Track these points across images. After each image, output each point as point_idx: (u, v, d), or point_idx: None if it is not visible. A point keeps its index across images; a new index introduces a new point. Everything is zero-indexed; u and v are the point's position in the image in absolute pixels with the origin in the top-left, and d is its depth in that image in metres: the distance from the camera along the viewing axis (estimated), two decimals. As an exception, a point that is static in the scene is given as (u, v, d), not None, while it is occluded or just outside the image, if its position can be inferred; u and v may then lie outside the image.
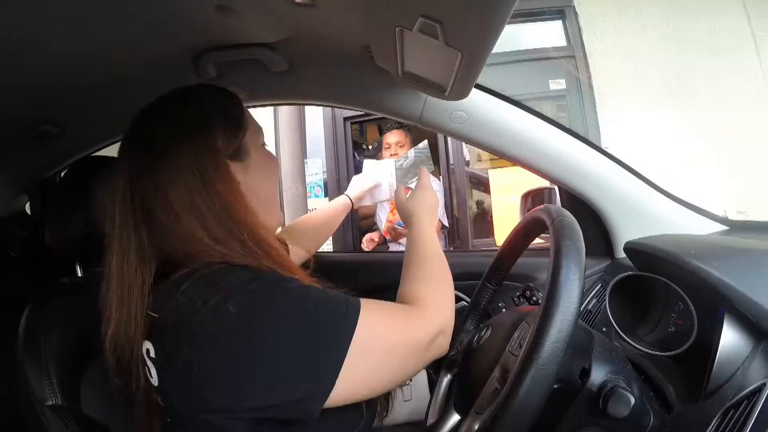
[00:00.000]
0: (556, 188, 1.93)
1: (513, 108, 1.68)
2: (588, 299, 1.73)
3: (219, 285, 0.88)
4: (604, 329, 1.43)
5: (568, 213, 1.02)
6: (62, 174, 1.58)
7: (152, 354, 0.90)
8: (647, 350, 1.17)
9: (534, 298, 1.54)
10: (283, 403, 0.87)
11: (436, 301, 1.12)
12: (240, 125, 1.09)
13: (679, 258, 1.20)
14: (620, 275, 1.27)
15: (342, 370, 0.88)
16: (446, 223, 4.14)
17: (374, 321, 0.95)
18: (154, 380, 0.90)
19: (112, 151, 1.71)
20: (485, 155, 5.10)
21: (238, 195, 1.02)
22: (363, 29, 1.23)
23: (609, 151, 1.73)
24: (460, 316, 1.93)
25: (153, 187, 0.98)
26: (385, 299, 1.06)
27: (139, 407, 0.95)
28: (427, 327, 1.05)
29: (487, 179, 4.43)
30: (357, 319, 0.92)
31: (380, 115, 1.83)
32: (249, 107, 1.63)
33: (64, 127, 1.66)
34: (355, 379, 0.91)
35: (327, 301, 0.94)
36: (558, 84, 5.13)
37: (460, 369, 1.26)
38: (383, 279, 1.70)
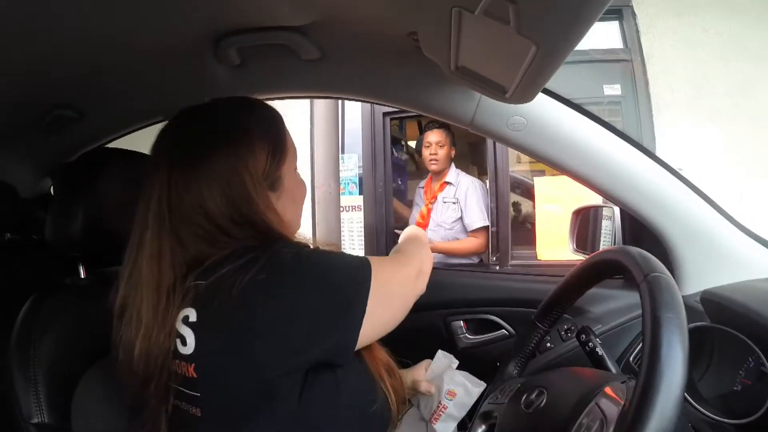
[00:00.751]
0: (616, 209, 1.79)
1: (580, 117, 1.51)
2: (640, 342, 1.58)
3: (257, 260, 0.95)
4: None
5: (662, 267, 0.93)
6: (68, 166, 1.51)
7: (192, 319, 0.95)
8: (715, 417, 1.12)
9: (590, 345, 1.32)
10: (321, 351, 0.97)
11: (413, 249, 1.36)
12: (283, 155, 1.14)
13: (762, 315, 1.15)
14: (691, 325, 1.13)
15: (366, 315, 1.00)
16: (488, 223, 4.02)
17: (382, 271, 1.09)
18: (188, 348, 0.95)
19: (127, 141, 1.78)
20: (526, 157, 4.82)
21: (274, 211, 1.10)
22: (409, 12, 1.09)
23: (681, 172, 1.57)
24: (498, 348, 1.77)
25: (192, 195, 1.02)
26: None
27: (154, 400, 1.01)
28: (412, 263, 1.26)
29: (532, 185, 4.32)
30: (370, 273, 1.04)
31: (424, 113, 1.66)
32: (274, 99, 1.64)
33: (82, 112, 1.63)
34: (375, 321, 1.03)
35: (346, 264, 1.05)
36: (613, 89, 4.88)
37: (501, 429, 1.15)
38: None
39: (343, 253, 1.10)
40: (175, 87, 1.56)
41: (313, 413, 0.98)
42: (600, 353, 1.26)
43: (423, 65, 1.32)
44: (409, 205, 4.80)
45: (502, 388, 1.27)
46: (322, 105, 4.53)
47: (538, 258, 4.10)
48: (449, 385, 1.34)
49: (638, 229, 1.67)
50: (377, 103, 1.67)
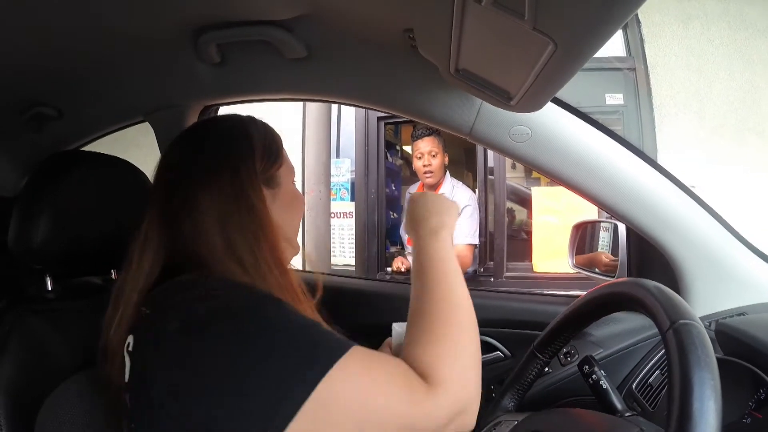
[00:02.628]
0: (620, 225, 1.69)
1: (589, 128, 1.42)
2: (649, 369, 1.50)
3: (206, 301, 0.84)
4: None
5: (690, 311, 0.86)
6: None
7: (131, 348, 0.90)
8: None
9: (594, 377, 1.23)
10: None
11: (454, 375, 0.86)
12: (278, 156, 1.12)
13: None
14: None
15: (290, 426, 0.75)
16: (476, 242, 3.83)
17: (355, 382, 0.79)
18: (126, 376, 0.89)
19: (100, 145, 1.82)
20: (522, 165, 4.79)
21: (267, 211, 1.02)
22: (406, 5, 1.02)
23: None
24: (493, 370, 1.73)
25: (185, 190, 0.99)
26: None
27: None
28: (438, 411, 0.83)
29: (528, 195, 4.27)
30: (327, 370, 0.76)
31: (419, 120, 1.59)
32: (258, 100, 1.67)
33: (61, 110, 1.61)
34: None
35: (300, 340, 0.81)
36: (615, 98, 4.79)
37: None
38: (396, 317, 1.46)
39: (315, 326, 0.84)
40: (155, 86, 1.53)
41: None
42: (605, 386, 1.18)
43: (419, 67, 1.25)
44: (403, 211, 4.68)
45: (497, 423, 1.21)
46: (314, 106, 4.50)
47: (534, 270, 4.06)
48: None
49: (646, 248, 1.58)
50: (367, 108, 1.58)
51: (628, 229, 1.67)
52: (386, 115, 4.54)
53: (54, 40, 1.19)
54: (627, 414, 1.11)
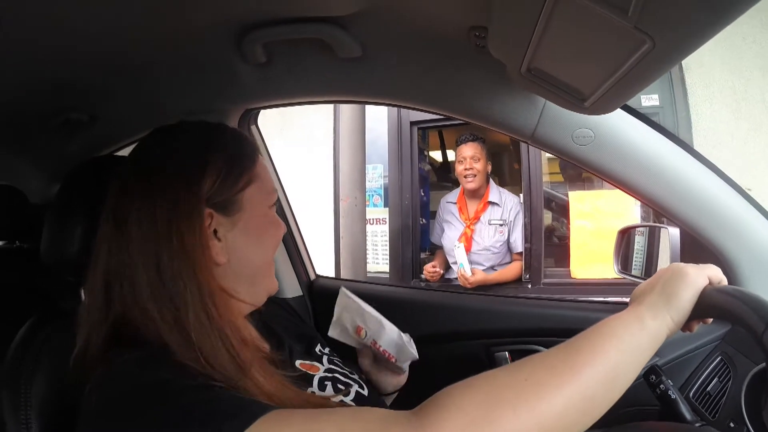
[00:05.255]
0: (671, 230, 1.60)
1: (649, 130, 1.38)
2: (706, 376, 1.46)
3: (112, 387, 0.80)
4: (732, 425, 1.24)
5: None
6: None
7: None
8: None
9: (661, 387, 1.21)
10: None
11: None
12: (241, 176, 1.02)
13: None
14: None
15: None
16: (522, 249, 3.89)
17: None
18: None
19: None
20: (547, 168, 4.86)
21: (205, 248, 0.93)
22: (479, 3, 0.96)
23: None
24: None
25: (121, 215, 0.93)
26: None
27: None
28: None
29: (564, 201, 4.25)
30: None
31: (462, 120, 1.56)
32: (304, 103, 1.64)
33: (94, 116, 1.56)
34: None
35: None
36: (651, 100, 4.70)
37: None
38: (433, 327, 1.58)
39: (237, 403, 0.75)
40: (193, 90, 1.48)
41: None
42: (673, 396, 1.18)
43: (481, 67, 1.23)
44: (432, 216, 4.68)
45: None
46: (347, 110, 4.46)
47: (572, 276, 4.00)
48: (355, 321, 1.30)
49: (701, 252, 1.52)
50: (424, 111, 1.52)
51: (683, 233, 1.59)
52: (420, 119, 4.54)
53: (87, 43, 1.15)
54: (697, 424, 1.12)
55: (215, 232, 0.96)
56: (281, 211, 1.85)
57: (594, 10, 0.69)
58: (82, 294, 1.26)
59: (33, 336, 1.14)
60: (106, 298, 0.90)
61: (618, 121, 1.35)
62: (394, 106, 1.62)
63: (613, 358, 0.77)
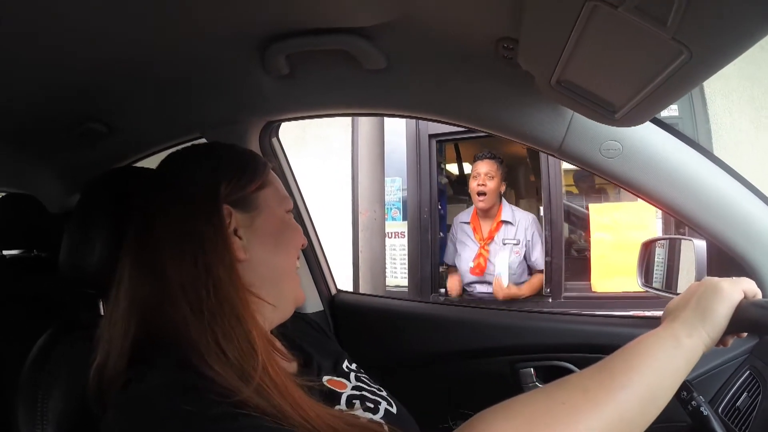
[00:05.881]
0: (697, 242, 1.57)
1: (677, 141, 1.35)
2: (735, 391, 1.43)
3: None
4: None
5: None
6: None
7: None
8: None
9: (693, 404, 1.18)
10: None
11: None
12: (254, 177, 1.04)
13: None
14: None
15: None
16: (542, 267, 3.89)
17: None
18: None
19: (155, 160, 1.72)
20: (564, 181, 4.76)
21: (226, 243, 0.93)
22: (509, 14, 0.97)
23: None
24: None
25: (147, 220, 0.95)
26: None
27: None
28: None
29: (583, 213, 4.24)
30: None
31: (484, 133, 1.55)
32: (326, 115, 1.60)
33: (112, 126, 1.59)
34: None
35: None
36: (671, 110, 4.64)
37: None
38: (455, 343, 1.56)
39: None
40: (214, 101, 1.48)
41: None
42: (705, 413, 1.16)
43: (507, 79, 1.23)
44: (448, 230, 4.65)
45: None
46: (365, 122, 4.46)
47: (593, 289, 3.96)
48: None
49: (726, 267, 1.49)
50: (448, 123, 1.50)
51: (710, 245, 1.56)
52: (439, 132, 4.53)
53: (107, 53, 1.16)
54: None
55: (235, 231, 0.97)
56: (301, 223, 1.82)
57: (631, 22, 0.68)
58: (101, 306, 1.26)
59: (51, 348, 1.12)
60: (128, 310, 0.89)
61: (645, 132, 1.33)
62: (417, 118, 1.62)
63: (649, 380, 0.76)
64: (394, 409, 1.03)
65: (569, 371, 1.58)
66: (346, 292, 2.00)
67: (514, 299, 3.66)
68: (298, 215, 1.77)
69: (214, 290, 0.87)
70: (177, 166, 1.03)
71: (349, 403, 0.99)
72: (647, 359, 0.79)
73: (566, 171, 4.50)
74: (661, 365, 0.80)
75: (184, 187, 0.97)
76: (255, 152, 1.12)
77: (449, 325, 1.81)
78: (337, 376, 1.10)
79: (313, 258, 1.83)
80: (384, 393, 1.09)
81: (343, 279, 4.31)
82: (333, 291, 1.93)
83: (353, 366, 1.18)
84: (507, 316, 1.86)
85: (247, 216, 1.00)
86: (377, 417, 0.97)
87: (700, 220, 1.41)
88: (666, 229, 3.65)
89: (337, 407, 0.96)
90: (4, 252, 2.17)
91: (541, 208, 4.23)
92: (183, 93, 1.43)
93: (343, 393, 1.02)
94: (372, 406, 1.00)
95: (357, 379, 1.11)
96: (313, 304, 1.83)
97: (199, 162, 1.04)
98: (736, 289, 0.90)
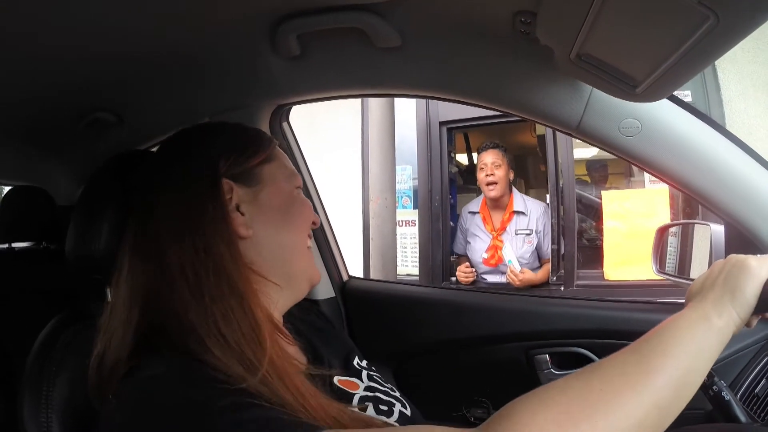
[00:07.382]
0: (714, 227, 1.57)
1: (697, 121, 1.32)
2: (754, 377, 1.41)
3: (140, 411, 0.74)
4: (783, 427, 1.23)
5: None
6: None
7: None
8: None
9: (714, 389, 1.17)
10: None
11: None
12: (258, 150, 1.03)
13: None
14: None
15: None
16: (549, 256, 3.87)
17: None
18: None
19: None
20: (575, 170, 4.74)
21: (226, 219, 0.92)
22: None
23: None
24: None
25: (147, 200, 0.95)
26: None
27: None
28: None
29: (596, 202, 4.21)
30: None
31: (495, 118, 1.48)
32: (338, 97, 1.59)
33: (121, 116, 1.59)
34: None
35: None
36: (683, 95, 4.54)
37: None
38: (469, 329, 1.53)
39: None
40: (224, 85, 1.47)
41: None
42: (727, 398, 1.15)
43: (524, 56, 1.20)
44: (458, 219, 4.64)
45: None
46: (375, 109, 4.44)
47: (606, 278, 3.92)
48: None
49: (749, 250, 1.41)
50: (463, 103, 1.47)
51: (728, 228, 1.54)
52: (450, 119, 4.50)
53: (113, 41, 1.15)
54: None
55: (237, 207, 0.95)
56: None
57: None
58: (109, 295, 1.25)
59: (57, 336, 1.12)
60: (130, 296, 0.89)
61: (665, 111, 1.30)
62: (431, 98, 1.59)
63: (683, 363, 0.74)
64: (408, 411, 1.01)
65: (585, 357, 1.61)
66: (358, 278, 1.98)
67: (532, 286, 3.65)
68: (309, 198, 1.73)
69: (213, 269, 0.86)
70: (176, 144, 1.03)
71: (362, 404, 0.97)
72: (681, 342, 0.76)
73: (578, 161, 4.48)
74: (695, 348, 0.77)
75: (182, 163, 0.97)
76: (261, 130, 1.11)
77: (463, 310, 1.79)
78: (349, 376, 1.06)
79: (324, 243, 1.81)
80: (397, 393, 1.06)
81: (353, 267, 4.32)
82: (345, 277, 1.91)
83: (364, 363, 1.15)
84: (521, 301, 1.83)
85: (250, 191, 0.98)
86: (392, 420, 0.95)
87: (720, 201, 1.39)
88: (674, 217, 3.65)
89: (349, 409, 0.92)
90: (14, 244, 2.22)
91: (548, 196, 4.19)
92: (191, 78, 1.41)
93: (355, 393, 0.99)
94: (386, 408, 0.98)
95: (369, 378, 1.08)
96: (325, 291, 1.81)
97: (198, 138, 1.03)
98: (763, 266, 0.86)
